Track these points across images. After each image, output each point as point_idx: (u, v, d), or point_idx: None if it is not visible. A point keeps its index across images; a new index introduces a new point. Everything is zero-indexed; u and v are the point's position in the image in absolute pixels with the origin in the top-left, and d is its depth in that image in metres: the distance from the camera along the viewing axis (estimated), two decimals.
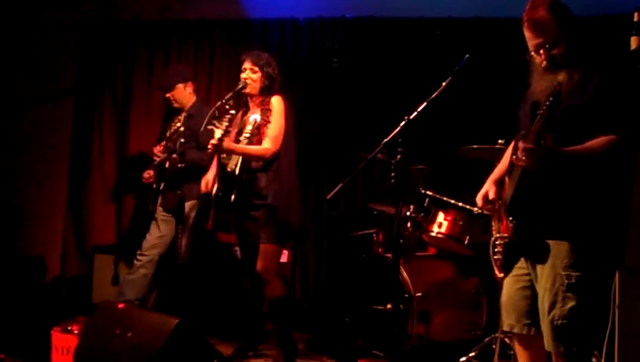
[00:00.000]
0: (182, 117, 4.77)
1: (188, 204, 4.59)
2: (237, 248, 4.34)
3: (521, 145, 2.54)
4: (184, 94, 4.77)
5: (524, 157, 2.51)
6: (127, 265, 5.00)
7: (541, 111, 2.56)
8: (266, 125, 3.92)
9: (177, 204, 4.48)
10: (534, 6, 2.62)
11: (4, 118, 5.81)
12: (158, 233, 4.71)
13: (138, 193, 5.67)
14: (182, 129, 4.65)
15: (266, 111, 3.95)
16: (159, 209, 4.74)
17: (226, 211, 4.04)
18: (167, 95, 4.78)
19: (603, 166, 2.54)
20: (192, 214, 4.63)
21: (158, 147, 4.71)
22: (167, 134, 4.69)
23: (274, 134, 3.93)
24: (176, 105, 4.79)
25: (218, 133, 3.68)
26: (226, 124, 3.73)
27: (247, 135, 3.91)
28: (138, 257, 4.69)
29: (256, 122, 3.88)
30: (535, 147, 2.50)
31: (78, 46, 5.98)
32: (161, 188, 4.74)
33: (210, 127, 3.75)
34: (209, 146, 3.75)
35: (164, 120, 5.04)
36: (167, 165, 4.66)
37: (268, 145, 3.91)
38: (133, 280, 4.67)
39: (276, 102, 4.00)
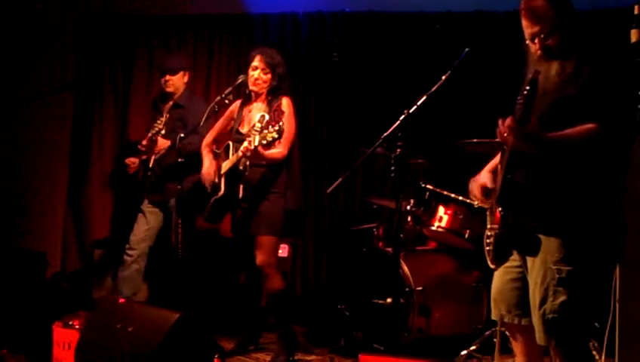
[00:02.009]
0: (165, 111, 4.80)
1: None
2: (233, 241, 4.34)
3: (507, 121, 2.54)
4: (181, 81, 4.85)
5: (505, 134, 2.53)
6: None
7: (520, 99, 2.56)
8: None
9: (177, 198, 4.48)
10: None
11: (4, 114, 5.80)
12: (146, 226, 4.71)
13: (131, 187, 5.66)
14: (163, 132, 4.68)
15: (278, 113, 3.94)
16: (145, 201, 4.75)
17: (232, 206, 4.05)
18: (168, 77, 4.80)
19: (594, 159, 2.51)
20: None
21: (132, 158, 4.85)
22: (150, 134, 4.74)
23: (288, 138, 3.94)
24: (169, 89, 4.82)
25: (257, 140, 3.64)
26: (259, 129, 3.72)
27: (257, 132, 3.82)
28: (128, 252, 4.69)
29: (264, 119, 3.86)
30: (517, 125, 2.50)
31: (78, 41, 5.97)
32: (147, 185, 4.75)
33: (248, 132, 3.74)
34: (241, 150, 3.73)
35: (152, 116, 5.01)
36: (150, 164, 4.69)
37: (283, 148, 3.92)
38: (127, 277, 4.67)
39: (287, 104, 4.03)
